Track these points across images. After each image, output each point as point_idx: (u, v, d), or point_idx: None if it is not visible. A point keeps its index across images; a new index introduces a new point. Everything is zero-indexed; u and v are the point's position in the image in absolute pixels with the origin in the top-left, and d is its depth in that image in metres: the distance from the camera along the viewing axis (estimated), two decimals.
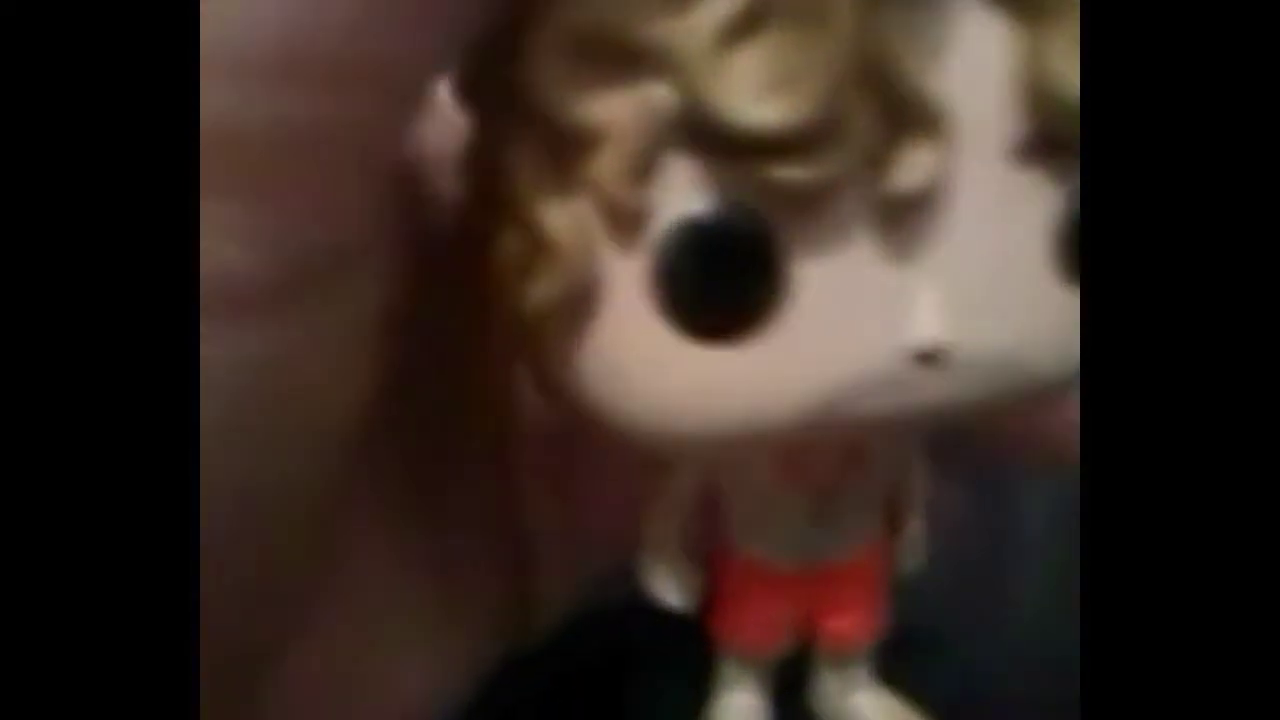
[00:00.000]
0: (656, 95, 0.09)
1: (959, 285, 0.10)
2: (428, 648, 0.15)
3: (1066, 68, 0.10)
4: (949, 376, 0.10)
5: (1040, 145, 0.10)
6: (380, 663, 0.15)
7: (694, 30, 0.09)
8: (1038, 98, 0.10)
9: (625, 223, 0.10)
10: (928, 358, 0.10)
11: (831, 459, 0.13)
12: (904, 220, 0.10)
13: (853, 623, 0.15)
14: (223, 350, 0.09)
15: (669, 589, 0.14)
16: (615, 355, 0.10)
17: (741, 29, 0.09)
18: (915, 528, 0.15)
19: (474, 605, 0.16)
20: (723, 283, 0.10)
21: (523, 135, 0.10)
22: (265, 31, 0.08)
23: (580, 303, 0.10)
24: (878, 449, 0.14)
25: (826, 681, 0.16)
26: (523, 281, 0.10)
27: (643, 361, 0.10)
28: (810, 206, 0.10)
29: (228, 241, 0.09)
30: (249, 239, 0.09)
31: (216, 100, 0.08)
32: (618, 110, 0.09)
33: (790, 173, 0.09)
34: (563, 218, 0.10)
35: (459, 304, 0.13)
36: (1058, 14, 0.09)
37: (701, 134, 0.09)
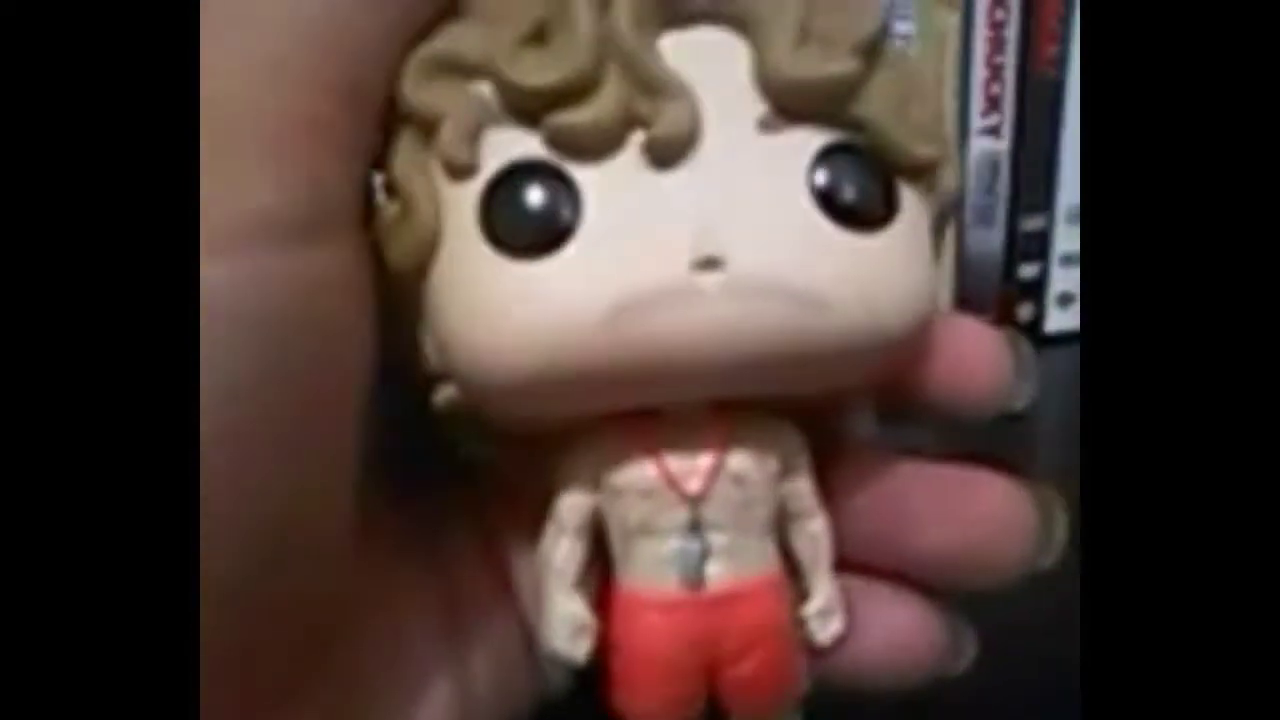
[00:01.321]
0: (479, 88, 0.13)
1: (731, 217, 0.13)
2: (447, 694, 0.15)
3: (783, 59, 0.13)
4: (733, 295, 0.12)
5: (783, 118, 0.13)
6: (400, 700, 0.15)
7: (500, 41, 0.13)
8: (767, 83, 0.13)
9: (460, 175, 0.13)
10: (705, 263, 0.12)
11: (701, 451, 0.14)
12: (677, 166, 0.13)
13: (757, 670, 0.14)
14: (265, 275, 0.11)
15: (567, 634, 0.14)
16: (458, 286, 0.13)
17: (528, 38, 0.13)
18: (825, 590, 0.15)
19: (489, 656, 0.16)
20: (529, 209, 0.13)
21: (399, 131, 0.13)
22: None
23: (429, 247, 0.13)
24: (743, 455, 0.14)
25: None
26: (392, 240, 0.13)
27: (476, 283, 0.13)
28: (595, 149, 0.13)
29: (264, 187, 0.11)
30: (281, 185, 0.11)
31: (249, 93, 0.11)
32: (455, 99, 0.13)
33: (567, 117, 0.13)
34: (419, 181, 0.13)
35: None
36: (770, 22, 0.13)
37: (507, 104, 0.13)
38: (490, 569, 0.16)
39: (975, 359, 0.15)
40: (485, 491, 0.17)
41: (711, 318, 0.12)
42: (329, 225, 0.12)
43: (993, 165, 0.44)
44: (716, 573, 0.14)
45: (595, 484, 0.15)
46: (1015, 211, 0.45)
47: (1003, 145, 0.43)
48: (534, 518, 0.15)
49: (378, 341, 0.13)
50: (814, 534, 0.15)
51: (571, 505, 0.15)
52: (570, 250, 0.12)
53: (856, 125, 0.13)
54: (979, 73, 0.42)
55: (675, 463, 0.14)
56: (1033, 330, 0.45)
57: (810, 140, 0.13)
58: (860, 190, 0.13)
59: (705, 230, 0.12)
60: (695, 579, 0.14)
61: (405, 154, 0.13)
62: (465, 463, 0.17)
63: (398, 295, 0.14)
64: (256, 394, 0.11)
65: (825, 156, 0.13)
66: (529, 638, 0.16)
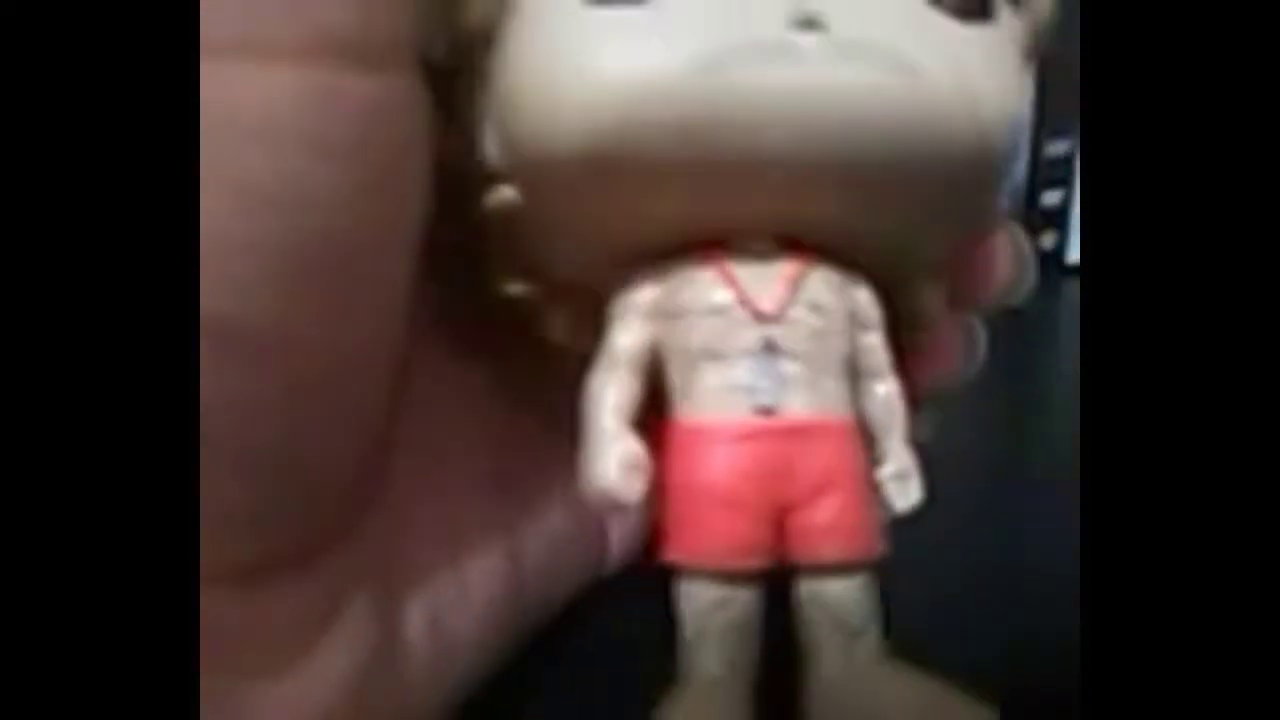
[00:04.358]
0: None
1: None
2: (502, 557, 0.14)
3: None
4: (830, 55, 0.11)
5: None
6: (459, 561, 0.14)
7: None
8: None
9: None
10: (805, 23, 0.11)
11: (775, 274, 0.12)
12: None
13: (831, 516, 0.12)
14: (329, 93, 0.10)
15: (620, 471, 0.12)
16: (537, 37, 0.12)
17: None
18: (900, 455, 0.13)
19: (543, 516, 0.15)
20: None
21: None
22: None
23: (503, 6, 0.12)
24: (820, 282, 0.13)
25: (821, 634, 0.13)
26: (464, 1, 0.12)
27: (557, 30, 0.12)
28: None
29: (335, 10, 0.10)
30: (351, 8, 0.11)
31: None
32: None
33: None
34: None
35: None
36: None
37: None
38: (541, 436, 0.15)
39: (990, 258, 0.16)
40: (525, 340, 0.16)
41: (807, 74, 0.11)
42: (393, 49, 0.11)
43: None
44: (792, 401, 0.12)
45: (654, 311, 0.13)
46: (1039, 136, 0.43)
47: None
48: (575, 361, 0.13)
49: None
50: (886, 395, 0.13)
51: (626, 334, 0.13)
52: (665, 2, 0.11)
53: None
54: None
55: (748, 281, 0.13)
56: (1056, 258, 0.44)
57: None
58: None
59: None
60: (769, 405, 0.12)
61: None
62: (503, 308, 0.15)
63: (450, 101, 0.12)
64: (315, 211, 0.10)
65: None
66: (582, 512, 0.15)
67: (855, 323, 0.13)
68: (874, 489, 0.13)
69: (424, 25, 0.12)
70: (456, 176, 0.13)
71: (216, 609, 0.10)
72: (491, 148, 0.13)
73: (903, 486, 0.13)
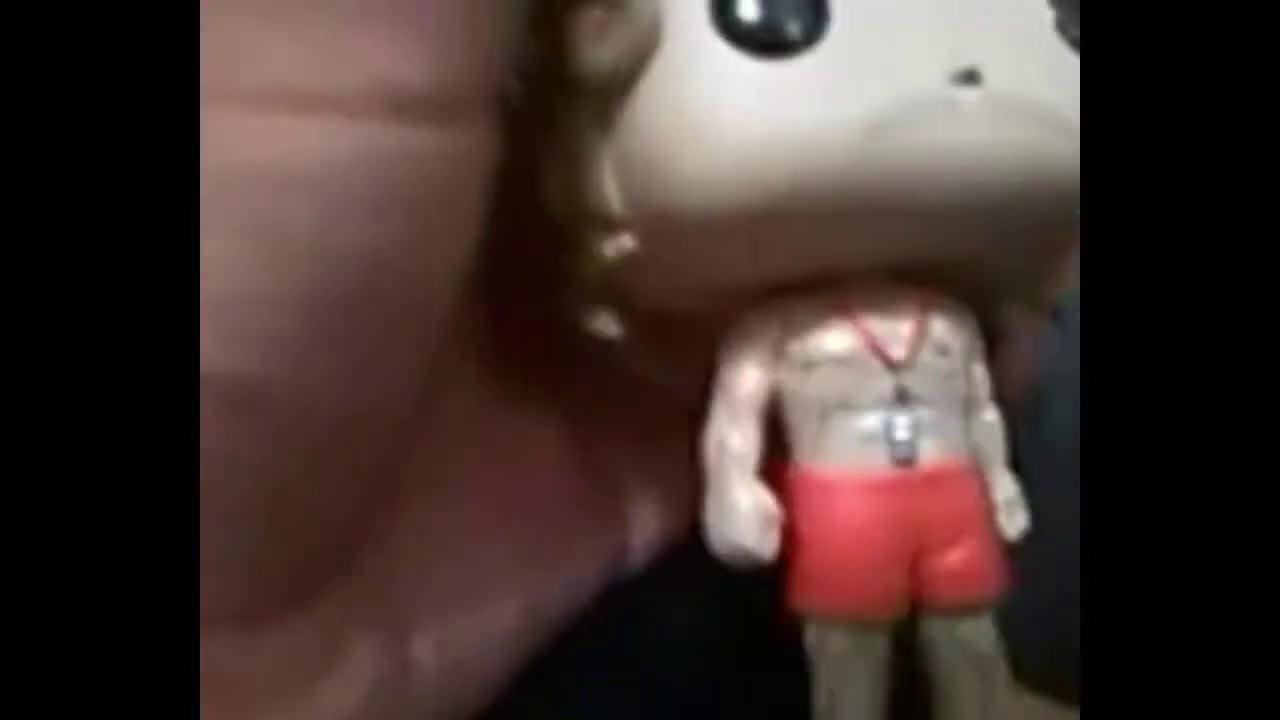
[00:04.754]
0: None
1: (982, 25, 0.11)
2: (517, 587, 0.14)
3: None
4: (990, 113, 0.11)
5: None
6: (471, 590, 0.14)
7: None
8: None
9: None
10: (965, 77, 0.11)
11: (901, 317, 0.12)
12: None
13: (965, 559, 0.12)
14: (382, 151, 0.10)
15: (754, 526, 0.12)
16: (682, 87, 0.11)
17: None
18: (1006, 483, 0.13)
19: (562, 551, 0.15)
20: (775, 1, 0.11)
21: None
22: None
23: (647, 45, 0.11)
24: (943, 322, 0.13)
25: (957, 675, 0.13)
26: (599, 41, 0.11)
27: (707, 82, 0.11)
28: None
29: (398, 56, 0.10)
30: (419, 59, 0.10)
31: None
32: None
33: None
34: None
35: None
36: None
37: None
38: (572, 471, 0.15)
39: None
40: (584, 387, 0.15)
41: (972, 135, 0.11)
42: (464, 106, 0.10)
43: None
44: (927, 449, 0.12)
45: (775, 358, 0.13)
46: None
47: None
48: (657, 410, 0.13)
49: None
50: (991, 423, 0.14)
51: (749, 380, 0.13)
52: (819, 52, 0.11)
53: None
54: None
55: (877, 328, 0.12)
56: None
57: None
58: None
59: (962, 40, 0.11)
60: (907, 456, 0.12)
61: None
62: (574, 343, 0.14)
63: (544, 141, 0.12)
64: (354, 266, 0.10)
65: None
66: (599, 528, 0.15)
67: (970, 357, 0.13)
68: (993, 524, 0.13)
69: (515, 60, 0.12)
70: (557, 217, 0.13)
71: (214, 650, 0.10)
72: (613, 194, 0.12)
73: (1012, 514, 0.13)
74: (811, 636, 0.13)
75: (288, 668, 0.11)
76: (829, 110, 0.11)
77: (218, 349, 0.09)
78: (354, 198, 0.10)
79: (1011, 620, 0.14)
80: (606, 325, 0.14)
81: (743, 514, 0.12)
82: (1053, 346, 0.19)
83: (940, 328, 0.13)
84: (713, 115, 0.11)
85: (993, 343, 0.15)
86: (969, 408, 0.13)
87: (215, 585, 0.10)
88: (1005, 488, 0.13)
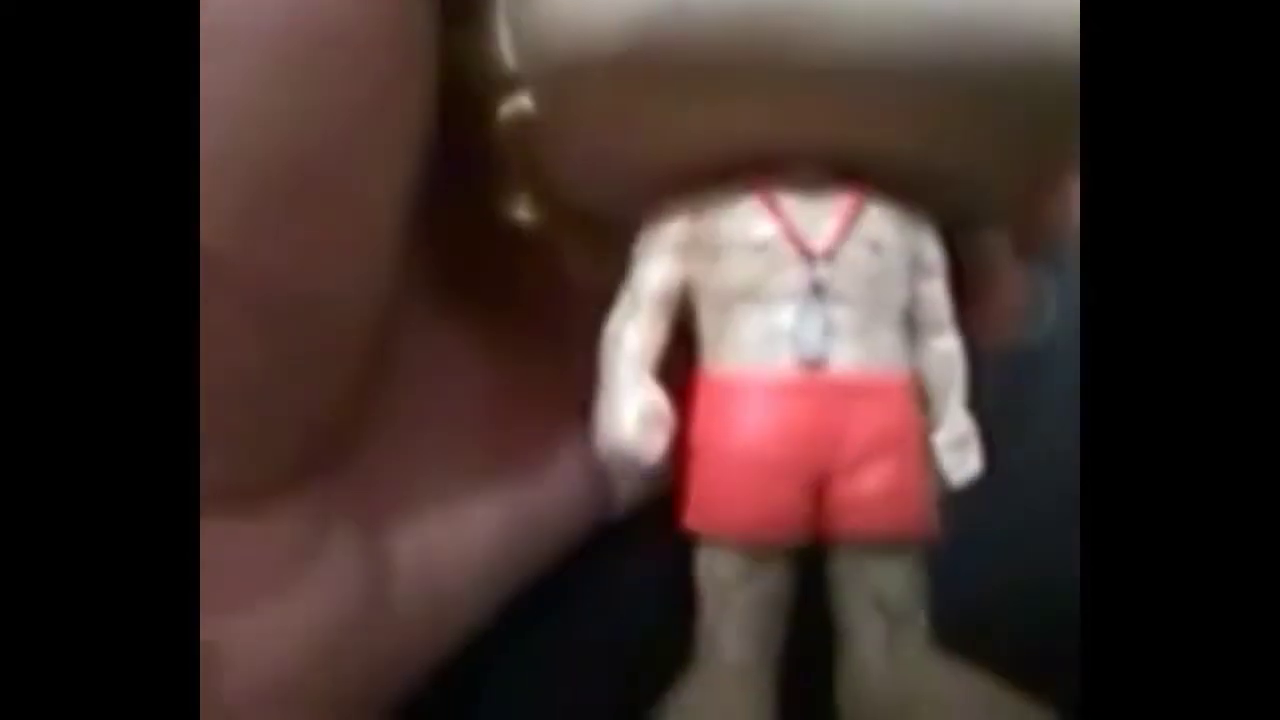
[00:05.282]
0: None
1: None
2: (498, 504, 0.14)
3: None
4: None
5: None
6: (451, 504, 0.14)
7: None
8: None
9: None
10: None
11: (828, 206, 0.11)
12: None
13: (879, 486, 0.11)
14: (322, 12, 0.10)
15: (640, 425, 0.11)
16: None
17: None
18: (958, 420, 0.12)
19: (546, 471, 0.14)
20: None
21: None
22: None
23: None
24: (880, 217, 0.11)
25: (859, 618, 0.11)
26: None
27: None
28: None
29: None
30: None
31: None
32: None
33: None
34: None
35: None
36: None
37: None
38: (545, 382, 0.15)
39: (1062, 206, 0.14)
40: (573, 310, 0.14)
41: None
42: None
43: None
44: (843, 353, 0.11)
45: (687, 246, 0.11)
46: None
47: None
48: (588, 298, 0.12)
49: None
50: (946, 352, 0.12)
51: (654, 271, 0.11)
52: None
53: None
54: None
55: (797, 213, 0.11)
56: None
57: None
58: None
59: None
60: (815, 357, 0.11)
61: None
62: (509, 235, 0.13)
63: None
64: (287, 130, 0.10)
65: None
66: (587, 462, 0.14)
67: (916, 267, 0.11)
68: (929, 458, 0.12)
69: None
70: (465, 85, 0.12)
71: (209, 533, 0.10)
72: (507, 50, 0.11)
73: (960, 456, 0.12)
74: (700, 559, 0.11)
75: (279, 553, 0.11)
76: None
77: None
78: (280, 59, 0.09)
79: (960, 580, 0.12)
80: (528, 210, 0.13)
81: (626, 413, 0.11)
82: (1050, 305, 0.17)
83: (875, 221, 0.11)
84: None
85: (970, 274, 0.13)
86: (915, 326, 0.12)
87: (206, 465, 0.10)
88: (955, 426, 0.12)
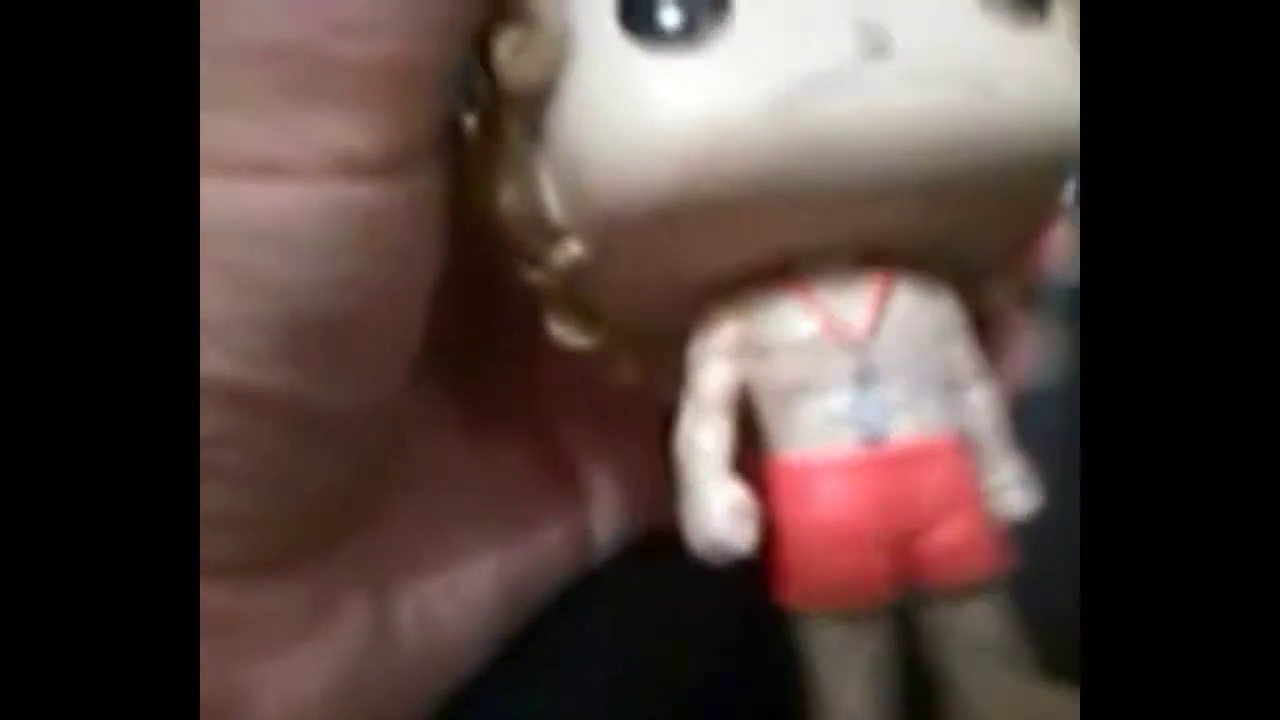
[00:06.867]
0: None
1: (891, 4, 0.11)
2: (491, 561, 0.15)
3: None
4: (906, 81, 0.11)
5: None
6: (448, 561, 0.15)
7: None
8: None
9: None
10: (874, 50, 0.11)
11: (861, 295, 0.12)
12: None
13: (957, 536, 0.12)
14: (339, 207, 0.11)
15: (730, 520, 0.12)
16: (597, 89, 0.11)
17: None
18: (1006, 462, 0.13)
19: (532, 531, 0.16)
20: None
21: None
22: None
23: (560, 57, 0.11)
24: (908, 298, 0.12)
25: (960, 663, 0.12)
26: (517, 62, 0.12)
27: (619, 83, 0.11)
28: None
29: (346, 128, 0.11)
30: (364, 128, 0.11)
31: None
32: None
33: None
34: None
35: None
36: None
37: None
38: (540, 461, 0.17)
39: (1054, 244, 0.16)
40: (550, 381, 0.17)
41: (887, 105, 0.11)
42: (410, 160, 0.12)
43: None
44: (898, 427, 0.12)
45: (739, 349, 0.13)
46: None
47: None
48: (619, 405, 0.14)
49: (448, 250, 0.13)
50: (981, 403, 0.13)
51: (713, 376, 0.13)
52: (725, 40, 0.11)
53: None
54: None
55: (835, 308, 0.12)
56: None
57: None
58: None
59: (868, 18, 0.11)
60: (875, 435, 0.12)
61: None
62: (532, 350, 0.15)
63: (494, 159, 0.12)
64: (324, 299, 0.11)
65: None
66: (568, 515, 0.16)
67: (941, 334, 0.13)
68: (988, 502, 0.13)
69: (465, 84, 0.12)
70: (511, 230, 0.13)
71: (215, 600, 0.12)
72: (553, 203, 0.12)
73: (1014, 494, 0.13)
74: (800, 633, 0.12)
75: (279, 621, 0.13)
76: (734, 92, 0.11)
77: (219, 359, 0.11)
78: (315, 247, 0.11)
79: (1041, 609, 0.13)
80: (574, 337, 0.14)
81: (715, 509, 0.12)
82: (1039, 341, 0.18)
83: (904, 302, 0.12)
84: (616, 113, 0.11)
85: (982, 327, 0.14)
86: (953, 388, 0.13)
87: (218, 543, 0.12)
88: (1002, 471, 0.13)
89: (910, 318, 0.12)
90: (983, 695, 0.12)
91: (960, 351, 0.13)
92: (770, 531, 0.12)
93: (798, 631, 0.12)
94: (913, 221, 0.12)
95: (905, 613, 0.12)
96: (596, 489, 0.17)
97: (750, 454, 0.13)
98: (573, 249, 0.12)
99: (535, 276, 0.13)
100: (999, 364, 0.15)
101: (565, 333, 0.14)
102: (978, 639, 0.12)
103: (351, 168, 0.11)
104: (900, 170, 0.11)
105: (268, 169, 0.11)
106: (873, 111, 0.11)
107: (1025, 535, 0.13)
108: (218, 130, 0.11)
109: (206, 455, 0.11)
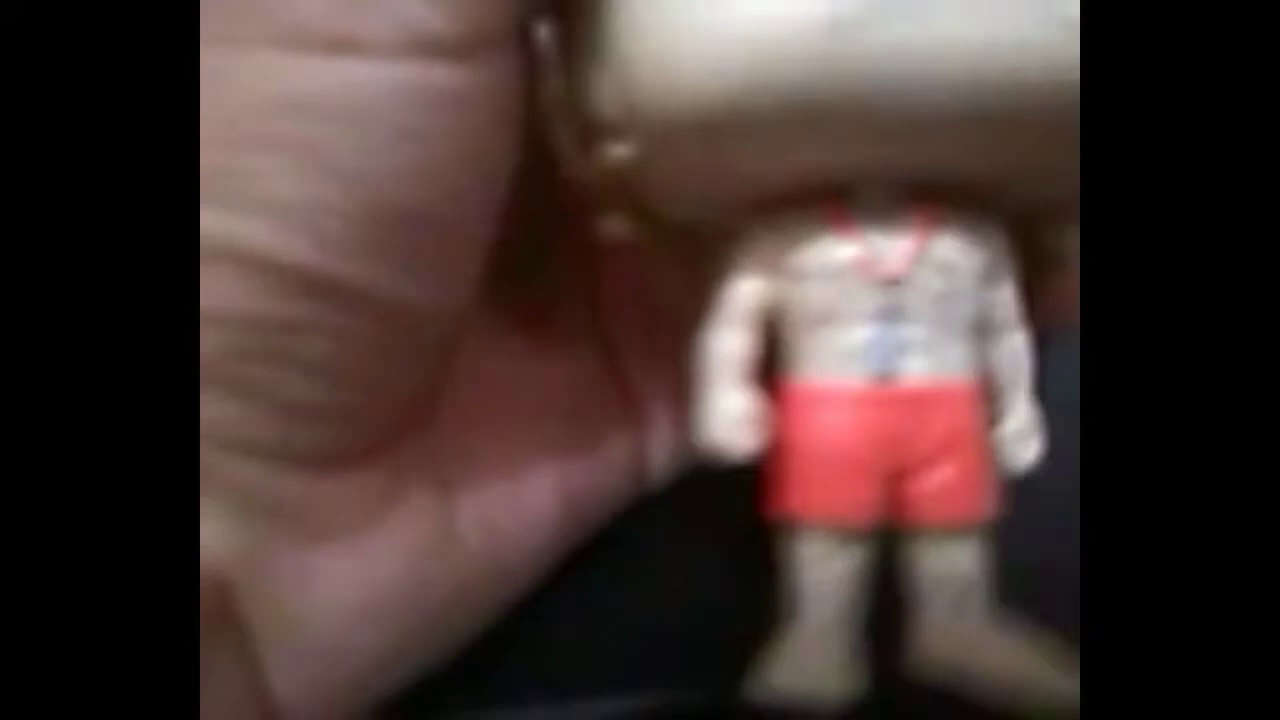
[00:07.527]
0: None
1: None
2: (551, 475, 0.16)
3: None
4: (959, 5, 0.11)
5: None
6: (510, 471, 0.15)
7: None
8: None
9: None
10: None
11: (903, 232, 0.12)
12: None
13: (947, 481, 0.12)
14: (415, 88, 0.11)
15: (730, 425, 0.13)
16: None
17: None
18: (1022, 412, 0.13)
19: (592, 449, 0.16)
20: None
21: None
22: None
23: None
24: (951, 241, 0.12)
25: (927, 592, 0.13)
26: None
27: None
28: None
29: (426, 6, 0.11)
30: (444, 6, 0.11)
31: None
32: None
33: None
34: None
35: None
36: None
37: None
38: (600, 382, 0.17)
39: None
40: (611, 304, 0.17)
41: (952, 33, 0.11)
42: (488, 45, 0.11)
43: None
44: (912, 367, 0.12)
45: (773, 268, 0.13)
46: None
47: None
48: (673, 309, 0.14)
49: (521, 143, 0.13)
50: (1015, 349, 0.13)
51: (744, 290, 0.13)
52: None
53: None
54: None
55: (874, 242, 0.12)
56: None
57: None
58: None
59: None
60: (887, 372, 0.12)
61: None
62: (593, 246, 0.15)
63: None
64: (395, 185, 0.11)
65: None
66: (628, 440, 0.17)
67: (986, 278, 0.13)
68: (991, 449, 0.13)
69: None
70: (563, 124, 0.13)
71: (290, 488, 0.12)
72: (607, 102, 0.12)
73: (1022, 445, 0.13)
74: (790, 544, 0.13)
75: (349, 510, 0.13)
76: (793, 8, 0.10)
77: (302, 245, 0.11)
78: (386, 128, 0.11)
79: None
80: (618, 225, 0.14)
81: (720, 411, 0.13)
82: None
83: (947, 245, 0.12)
84: (679, 19, 0.11)
85: (1038, 265, 0.14)
86: (987, 330, 0.13)
87: (294, 433, 0.12)
88: (1021, 416, 0.13)
89: (951, 259, 0.12)
90: (941, 632, 0.13)
91: (1002, 296, 0.13)
92: (776, 449, 0.13)
93: (787, 543, 0.13)
94: (969, 156, 0.12)
95: (888, 543, 0.13)
96: (653, 414, 0.17)
97: (776, 376, 0.13)
98: (624, 149, 0.12)
99: (584, 171, 0.13)
100: (1052, 305, 0.14)
101: (612, 224, 0.14)
102: (947, 578, 0.13)
103: (429, 47, 0.11)
104: (961, 101, 0.11)
105: (342, 44, 0.11)
106: (930, 40, 0.11)
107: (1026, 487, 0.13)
108: (291, 3, 0.10)
109: (286, 343, 0.11)
